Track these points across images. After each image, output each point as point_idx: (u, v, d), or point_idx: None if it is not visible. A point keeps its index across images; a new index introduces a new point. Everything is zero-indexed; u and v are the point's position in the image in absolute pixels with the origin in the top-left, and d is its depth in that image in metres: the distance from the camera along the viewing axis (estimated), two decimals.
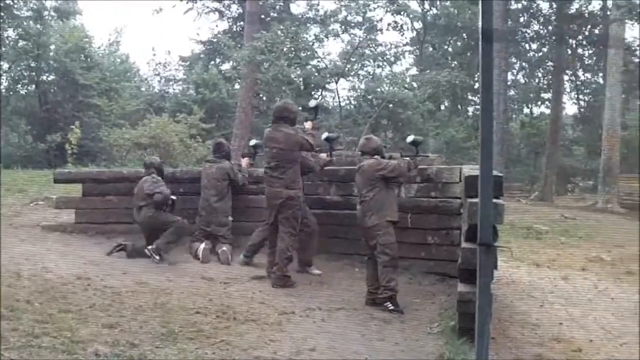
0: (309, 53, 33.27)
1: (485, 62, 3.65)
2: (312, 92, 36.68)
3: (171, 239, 11.58)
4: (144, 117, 31.62)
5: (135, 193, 11.95)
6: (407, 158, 10.00)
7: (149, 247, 11.45)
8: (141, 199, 11.76)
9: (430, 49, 46.69)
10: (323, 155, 11.73)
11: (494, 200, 7.25)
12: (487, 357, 4.11)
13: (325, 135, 11.58)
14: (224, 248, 11.95)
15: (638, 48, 36.55)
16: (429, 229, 11.22)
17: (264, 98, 36.04)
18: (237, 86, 36.29)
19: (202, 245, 11.94)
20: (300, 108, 28.30)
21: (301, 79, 34.12)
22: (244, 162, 13.13)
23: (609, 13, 32.59)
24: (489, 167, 3.75)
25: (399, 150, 11.24)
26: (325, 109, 34.16)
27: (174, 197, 12.09)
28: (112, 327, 7.14)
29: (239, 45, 32.98)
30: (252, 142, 13.64)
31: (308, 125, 11.41)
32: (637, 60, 37.44)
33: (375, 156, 9.87)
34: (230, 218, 12.52)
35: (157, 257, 11.33)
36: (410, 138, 10.47)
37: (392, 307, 9.20)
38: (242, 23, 38.03)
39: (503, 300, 9.98)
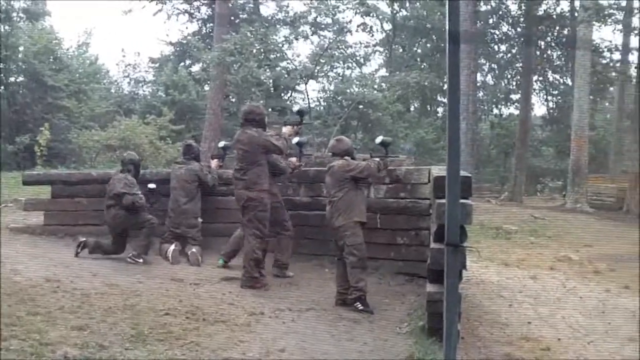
0: (278, 55, 33.33)
1: (452, 63, 3.69)
2: (282, 94, 36.72)
3: (146, 241, 11.60)
4: (113, 118, 31.51)
5: (107, 191, 11.92)
6: (377, 159, 10.03)
7: (129, 256, 11.46)
8: (111, 198, 11.73)
9: (400, 50, 46.81)
10: (293, 159, 11.76)
11: (463, 201, 7.31)
12: (455, 356, 4.14)
13: (296, 139, 11.59)
14: (194, 249, 11.95)
15: (605, 50, 36.81)
16: (398, 229, 11.27)
17: (234, 100, 36.03)
18: (206, 88, 36.24)
19: (172, 247, 11.93)
20: (270, 109, 28.32)
21: (271, 81, 34.08)
22: (213, 163, 13.12)
23: (576, 15, 32.81)
24: (456, 168, 3.78)
25: (369, 152, 11.28)
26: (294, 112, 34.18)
27: (153, 186, 12.20)
28: (81, 329, 7.11)
29: (209, 47, 33.03)
30: (221, 143, 13.63)
31: (286, 129, 11.43)
32: (604, 61, 37.72)
33: (346, 157, 9.90)
34: (199, 219, 12.51)
35: (140, 261, 11.37)
36: (379, 139, 10.50)
37: (361, 308, 9.23)
38: (211, 25, 38.04)
39: (472, 300, 10.03)
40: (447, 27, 3.69)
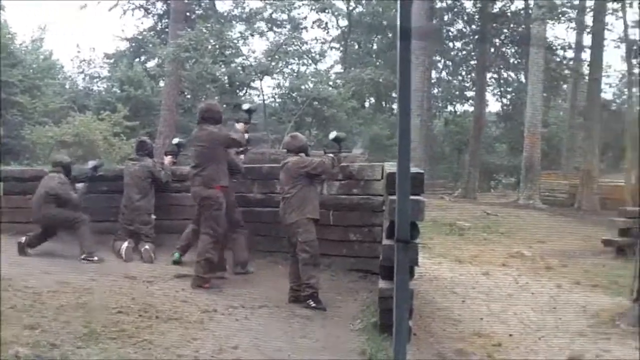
0: (233, 51, 33.18)
1: (403, 59, 3.71)
2: (237, 90, 36.60)
3: (88, 237, 11.56)
4: (67, 114, 31.20)
5: (37, 189, 11.88)
6: (331, 155, 10.04)
7: (81, 257, 11.40)
8: (42, 197, 11.68)
9: (356, 46, 46.90)
10: (243, 157, 11.78)
11: (415, 198, 7.36)
12: (405, 352, 4.17)
13: (246, 136, 11.58)
14: (147, 246, 11.92)
15: (559, 47, 37.12)
16: (351, 226, 11.29)
17: (189, 96, 35.87)
18: (161, 84, 36.09)
19: (125, 244, 11.87)
20: (224, 105, 28.21)
21: (226, 77, 33.99)
22: (167, 160, 13.07)
23: (530, 12, 33.10)
24: (407, 164, 3.81)
25: (323, 148, 11.30)
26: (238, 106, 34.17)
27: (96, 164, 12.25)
28: (33, 328, 7.05)
29: (164, 43, 32.85)
30: (175, 140, 13.58)
31: (239, 126, 11.42)
32: (558, 59, 38.05)
33: (300, 154, 9.91)
34: (153, 216, 12.47)
35: (96, 259, 11.35)
36: (332, 134, 10.53)
37: (313, 305, 9.25)
38: (167, 20, 37.75)
39: (425, 297, 10.09)
40: (398, 24, 3.70)
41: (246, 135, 11.42)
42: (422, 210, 7.46)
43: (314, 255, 9.47)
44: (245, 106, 12.44)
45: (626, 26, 30.84)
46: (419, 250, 7.93)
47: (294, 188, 9.61)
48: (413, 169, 8.79)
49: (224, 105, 29.88)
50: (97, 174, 12.86)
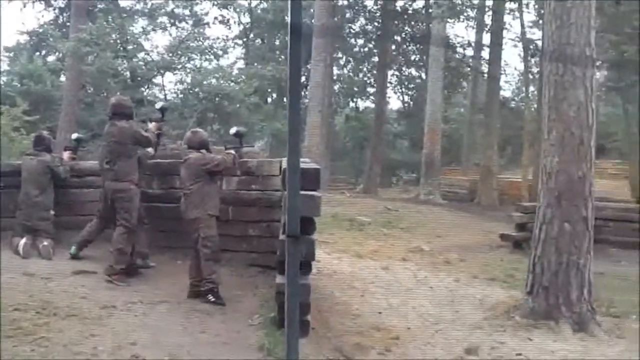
0: (135, 46, 32.93)
1: (293, 55, 3.72)
2: (139, 86, 36.25)
3: None
4: None
5: None
6: (232, 151, 10.03)
7: None
8: None
9: (259, 43, 46.87)
10: (150, 150, 11.67)
11: (311, 193, 7.40)
12: (298, 346, 4.20)
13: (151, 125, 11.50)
14: (45, 243, 11.67)
15: (458, 45, 37.66)
16: (250, 221, 11.26)
17: (90, 90, 35.39)
18: (62, 78, 35.55)
19: (23, 241, 11.62)
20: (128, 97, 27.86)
21: (128, 72, 33.62)
22: (66, 155, 12.86)
23: (430, 11, 33.51)
24: (296, 160, 3.83)
25: (224, 144, 11.27)
26: (152, 103, 33.85)
27: None
28: None
29: (65, 37, 32.36)
30: (75, 135, 13.39)
31: (152, 126, 11.34)
32: (458, 57, 38.60)
33: (202, 150, 9.87)
34: (52, 212, 12.23)
35: None
36: (233, 130, 10.54)
37: (213, 300, 9.22)
38: (68, 14, 37.21)
39: (324, 291, 10.14)
40: (289, 21, 3.72)
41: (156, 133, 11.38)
42: (318, 205, 7.49)
43: (215, 251, 9.45)
44: (159, 105, 12.37)
45: (523, 26, 31.43)
46: (317, 245, 7.96)
47: (194, 184, 9.56)
48: (310, 165, 8.85)
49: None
50: (80, 147, 12.83)
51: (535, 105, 29.06)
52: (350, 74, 46.61)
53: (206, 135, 10.39)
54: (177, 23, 37.72)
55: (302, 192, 7.30)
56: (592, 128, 9.86)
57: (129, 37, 31.26)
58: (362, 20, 41.22)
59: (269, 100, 44.54)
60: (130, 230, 10.30)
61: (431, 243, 16.21)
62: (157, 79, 35.14)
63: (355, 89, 46.54)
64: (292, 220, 3.92)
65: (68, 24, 35.34)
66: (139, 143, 10.60)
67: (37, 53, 40.17)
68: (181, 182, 10.03)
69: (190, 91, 34.67)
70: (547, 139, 10.09)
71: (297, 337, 4.20)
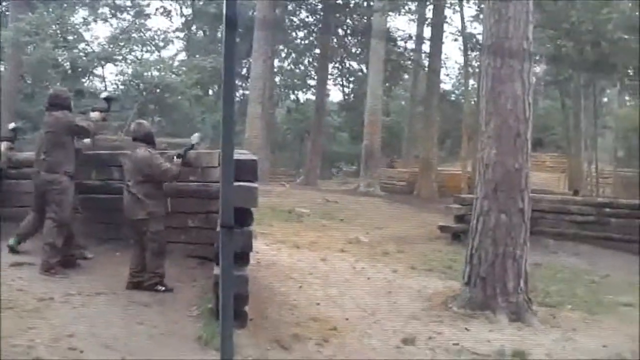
0: (76, 36, 32.61)
1: (228, 47, 3.71)
2: (80, 76, 35.88)
3: None
4: None
5: None
6: (179, 158, 9.92)
7: None
8: None
9: (200, 35, 46.66)
10: (87, 141, 11.53)
11: (248, 184, 7.40)
12: (232, 337, 4.19)
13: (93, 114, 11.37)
14: None
15: (399, 39, 37.86)
16: (189, 212, 11.20)
17: (29, 81, 34.96)
18: (1, 68, 35.04)
19: None
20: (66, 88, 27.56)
21: (68, 63, 33.25)
22: (3, 146, 12.66)
23: (372, 4, 33.60)
24: (230, 150, 3.82)
25: (165, 135, 11.20)
26: (92, 94, 33.56)
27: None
28: None
29: (4, 26, 31.90)
30: (11, 125, 13.15)
31: (95, 114, 11.20)
32: (398, 50, 38.78)
33: (150, 147, 9.75)
34: None
35: None
36: (104, 94, 10.50)
37: (163, 289, 9.19)
38: (7, 3, 36.66)
39: (262, 282, 10.11)
40: (224, 12, 3.70)
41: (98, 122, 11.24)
42: (255, 196, 7.51)
43: (162, 245, 9.41)
44: (104, 94, 12.25)
45: (464, 20, 31.68)
46: (255, 236, 7.96)
47: (140, 185, 9.47)
48: (247, 156, 8.84)
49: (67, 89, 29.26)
50: (17, 137, 12.47)
51: (475, 99, 29.35)
52: (291, 66, 46.59)
53: (150, 127, 10.34)
54: (118, 14, 37.46)
55: (240, 184, 7.31)
56: (528, 121, 9.98)
57: (69, 28, 31.00)
58: (303, 13, 41.24)
59: (210, 92, 44.36)
60: (60, 223, 10.15)
61: (370, 234, 16.28)
62: (98, 70, 34.97)
63: (296, 81, 46.55)
64: (226, 211, 3.91)
65: (8, 13, 34.83)
66: (75, 133, 10.45)
67: None
68: (124, 175, 9.90)
69: (131, 83, 34.50)
70: (484, 131, 10.19)
71: (231, 327, 4.19)
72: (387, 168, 37.85)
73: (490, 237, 9.90)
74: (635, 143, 33.01)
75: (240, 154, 9.19)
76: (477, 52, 30.87)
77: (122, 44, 33.90)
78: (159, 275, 9.26)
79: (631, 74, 24.87)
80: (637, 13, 21.90)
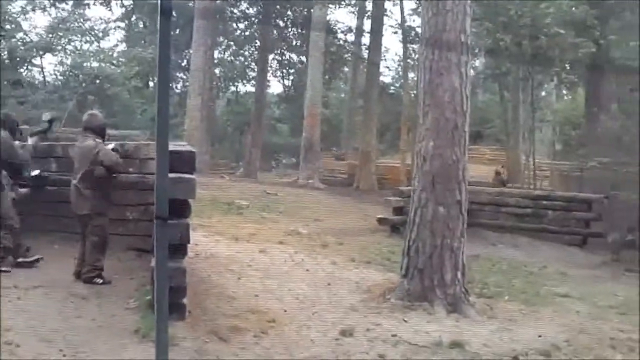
0: (14, 26, 32.20)
1: (162, 36, 3.67)
2: (18, 66, 35.40)
3: None
4: None
5: None
6: (116, 154, 9.81)
7: None
8: None
9: (140, 25, 46.29)
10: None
11: (186, 176, 7.36)
12: (167, 328, 4.16)
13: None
14: None
15: (339, 31, 37.91)
16: (127, 204, 11.12)
17: None
18: None
19: None
20: (5, 82, 27.21)
21: (6, 52, 32.80)
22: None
23: None
24: (165, 141, 3.78)
25: (111, 127, 11.08)
26: (31, 85, 33.17)
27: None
28: None
29: None
30: (46, 116, 12.91)
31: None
32: (338, 42, 38.84)
33: (98, 137, 9.64)
34: None
35: None
36: (45, 116, 10.38)
37: (101, 281, 9.12)
38: None
39: (201, 274, 10.05)
40: (159, 1, 3.67)
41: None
42: (193, 188, 7.48)
43: (102, 239, 9.36)
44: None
45: (403, 12, 31.84)
46: (194, 228, 7.93)
47: (86, 178, 9.36)
48: (185, 147, 8.79)
49: (5, 82, 28.89)
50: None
51: (415, 92, 29.51)
52: (232, 57, 46.42)
53: (103, 118, 10.27)
54: (57, 3, 36.95)
55: (178, 175, 7.27)
56: (466, 113, 10.05)
57: (7, 17, 30.53)
58: (243, 4, 41.08)
59: (151, 83, 43.99)
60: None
61: (309, 226, 16.28)
62: (37, 60, 34.48)
63: (236, 72, 46.39)
64: (160, 202, 3.87)
65: None
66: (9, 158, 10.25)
67: None
68: (75, 167, 9.74)
69: (71, 73, 34.14)
70: (422, 123, 10.23)
71: (166, 319, 4.16)
72: (337, 160, 38.03)
73: (428, 229, 9.96)
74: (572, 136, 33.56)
75: (178, 145, 9.13)
76: (417, 45, 31.04)
77: (61, 34, 33.56)
78: (97, 268, 9.23)
79: (568, 68, 25.19)
80: (574, 8, 22.24)
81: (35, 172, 11.03)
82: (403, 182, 25.65)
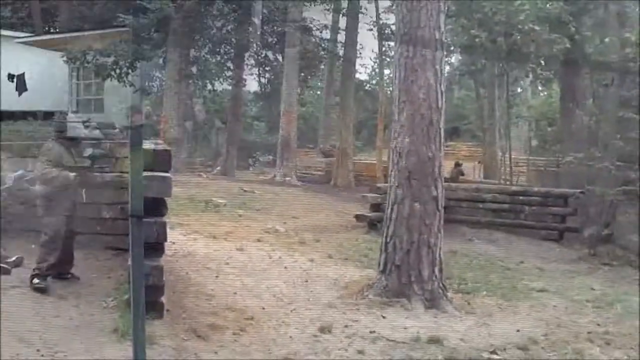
0: None
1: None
2: None
3: None
4: None
5: None
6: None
7: None
8: None
9: None
10: None
11: (162, 174, 7.37)
12: (144, 326, 4.18)
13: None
14: None
15: (315, 28, 37.83)
16: (104, 203, 11.08)
17: None
18: None
19: None
20: None
21: None
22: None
23: None
24: (139, 139, 3.80)
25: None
26: None
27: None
28: None
29: None
30: None
31: None
32: (314, 40, 38.79)
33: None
34: None
35: None
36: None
37: (37, 282, 8.88)
38: None
39: (179, 273, 10.06)
40: None
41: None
42: (169, 186, 7.49)
43: (51, 237, 9.23)
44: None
45: (378, 10, 31.86)
46: (171, 226, 7.93)
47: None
48: (160, 146, 8.79)
49: None
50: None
51: (391, 88, 29.56)
52: (208, 55, 46.21)
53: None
54: None
55: (154, 173, 7.27)
56: (441, 110, 10.08)
57: None
58: (220, 2, 40.92)
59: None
60: None
61: (286, 224, 16.28)
62: None
63: (213, 71, 46.20)
64: (135, 200, 3.89)
65: None
66: None
67: None
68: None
69: None
70: (397, 120, 10.26)
71: (143, 317, 4.18)
72: (326, 157, 37.99)
73: (405, 226, 10.00)
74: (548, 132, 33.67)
75: (154, 144, 9.14)
76: (392, 42, 31.07)
77: None
78: (38, 268, 9.00)
79: (543, 64, 25.28)
80: (549, 5, 22.32)
81: None
82: (380, 178, 25.70)
